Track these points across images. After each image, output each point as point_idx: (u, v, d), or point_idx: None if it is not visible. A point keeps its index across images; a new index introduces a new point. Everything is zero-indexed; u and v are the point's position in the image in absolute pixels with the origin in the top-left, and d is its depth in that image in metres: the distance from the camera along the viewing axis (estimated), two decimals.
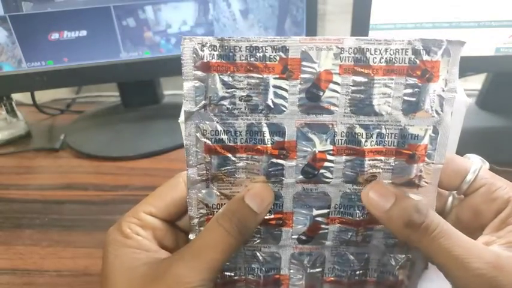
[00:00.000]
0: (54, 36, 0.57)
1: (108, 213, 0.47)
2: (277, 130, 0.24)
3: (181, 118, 0.28)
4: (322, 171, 0.25)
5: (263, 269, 0.27)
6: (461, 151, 0.30)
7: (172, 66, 0.61)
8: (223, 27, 0.60)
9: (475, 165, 0.25)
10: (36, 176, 0.56)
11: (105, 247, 0.25)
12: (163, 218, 0.26)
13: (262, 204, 0.25)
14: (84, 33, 0.57)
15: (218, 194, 0.25)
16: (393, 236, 0.26)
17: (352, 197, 0.26)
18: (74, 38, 0.57)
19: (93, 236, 0.44)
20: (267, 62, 0.23)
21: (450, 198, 0.26)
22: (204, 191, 0.25)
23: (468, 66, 0.54)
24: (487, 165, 0.26)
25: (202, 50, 0.22)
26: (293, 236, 0.27)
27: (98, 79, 0.63)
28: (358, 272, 0.28)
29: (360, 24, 0.53)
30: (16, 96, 0.73)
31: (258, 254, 0.27)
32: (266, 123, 0.24)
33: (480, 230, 0.24)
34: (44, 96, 0.79)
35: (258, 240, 0.27)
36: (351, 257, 0.27)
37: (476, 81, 0.66)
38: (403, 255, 0.27)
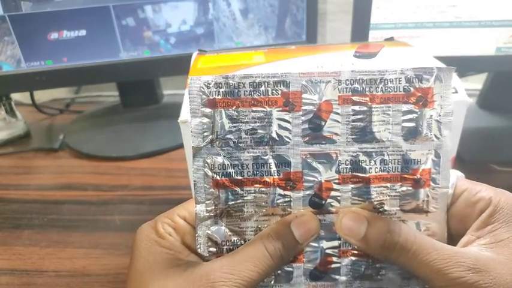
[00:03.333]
0: (54, 36, 0.56)
1: (107, 214, 0.47)
2: (283, 161, 0.25)
3: (181, 118, 0.27)
4: (329, 200, 0.25)
5: None
6: (461, 151, 0.30)
7: (172, 66, 0.61)
8: (223, 27, 0.60)
9: (452, 178, 0.25)
10: (35, 176, 0.56)
11: (137, 242, 0.25)
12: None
13: (307, 235, 0.25)
14: (83, 32, 0.57)
15: (227, 230, 0.25)
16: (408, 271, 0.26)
17: None
18: (73, 38, 0.57)
19: (91, 236, 0.44)
20: (269, 96, 0.24)
21: None
22: (213, 228, 0.25)
23: (468, 66, 0.54)
24: (462, 176, 0.27)
25: (208, 88, 0.24)
26: (305, 273, 0.26)
27: (98, 79, 0.62)
28: None
29: (360, 24, 0.53)
30: (15, 96, 0.72)
31: None
32: (272, 155, 0.25)
33: None
34: (43, 96, 0.79)
35: (270, 280, 0.26)
36: None
37: (477, 81, 0.66)
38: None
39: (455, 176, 0.26)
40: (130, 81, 0.67)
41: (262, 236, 0.24)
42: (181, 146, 0.57)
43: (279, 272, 0.26)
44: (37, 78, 0.58)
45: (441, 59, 0.32)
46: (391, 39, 0.38)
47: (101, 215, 0.47)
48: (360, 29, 0.53)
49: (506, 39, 0.51)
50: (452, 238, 0.25)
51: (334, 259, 0.26)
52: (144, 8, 0.57)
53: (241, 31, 0.60)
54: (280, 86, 0.24)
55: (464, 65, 0.54)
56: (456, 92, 0.29)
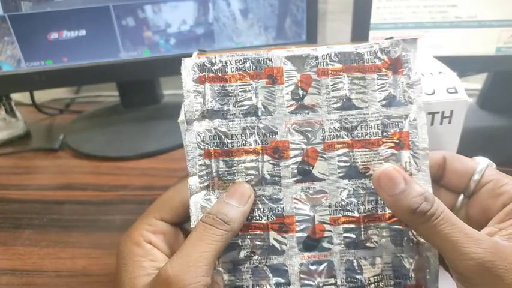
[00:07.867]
0: (54, 36, 0.56)
1: (107, 214, 0.47)
2: (270, 131, 0.26)
3: (181, 118, 0.28)
4: (316, 167, 0.26)
5: (272, 285, 0.26)
6: (461, 151, 0.30)
7: (172, 66, 0.60)
8: (223, 27, 0.60)
9: (481, 165, 0.26)
10: (35, 176, 0.56)
11: (118, 255, 0.26)
12: (173, 222, 0.27)
13: (243, 198, 0.25)
14: (83, 32, 0.57)
15: None
16: (401, 234, 0.26)
17: (350, 192, 0.26)
18: (73, 38, 0.57)
19: (92, 236, 0.44)
20: (254, 71, 0.26)
21: (460, 198, 0.27)
22: (205, 198, 0.26)
23: (468, 65, 0.54)
24: (493, 166, 0.27)
25: (198, 66, 0.26)
26: (298, 242, 0.26)
27: (97, 79, 0.62)
28: (373, 283, 0.26)
29: (360, 24, 0.53)
30: (15, 96, 0.72)
31: (265, 268, 0.26)
32: (259, 126, 0.26)
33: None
34: (43, 96, 0.79)
35: (263, 251, 0.26)
36: (363, 262, 0.26)
37: (477, 81, 0.66)
38: (415, 256, 0.26)
39: (486, 163, 0.26)
40: (130, 81, 0.67)
41: (202, 217, 0.25)
42: (181, 146, 0.57)
43: (272, 243, 0.26)
44: (37, 78, 0.58)
45: (441, 59, 0.32)
46: (391, 39, 0.38)
47: (101, 215, 0.47)
48: (360, 29, 0.53)
49: (506, 39, 0.51)
50: (473, 226, 0.25)
51: (326, 227, 0.26)
52: (144, 8, 0.57)
53: (241, 31, 0.60)
54: (263, 63, 0.26)
55: (464, 65, 0.54)
56: (456, 92, 0.29)
